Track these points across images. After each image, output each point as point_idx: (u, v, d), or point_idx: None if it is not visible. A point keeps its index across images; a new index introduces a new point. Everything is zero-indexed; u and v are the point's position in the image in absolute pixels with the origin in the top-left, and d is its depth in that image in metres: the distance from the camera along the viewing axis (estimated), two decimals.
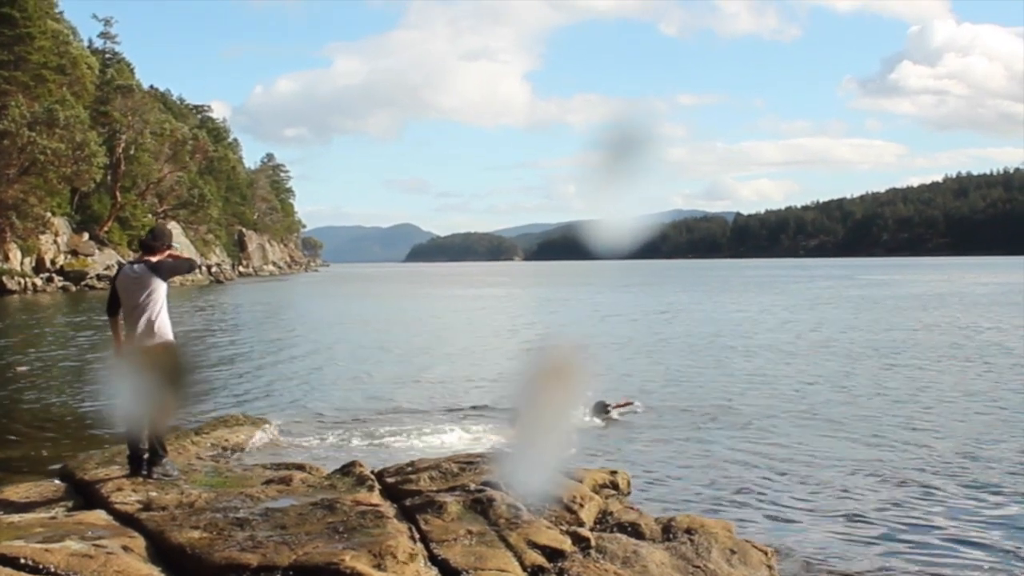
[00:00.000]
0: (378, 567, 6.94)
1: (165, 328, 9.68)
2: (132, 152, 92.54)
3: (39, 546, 6.99)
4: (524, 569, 7.43)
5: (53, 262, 75.96)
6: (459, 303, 62.88)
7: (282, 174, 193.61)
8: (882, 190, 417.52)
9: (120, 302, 9.65)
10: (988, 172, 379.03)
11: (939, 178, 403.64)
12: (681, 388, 20.64)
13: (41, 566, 6.62)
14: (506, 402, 17.62)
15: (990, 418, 16.39)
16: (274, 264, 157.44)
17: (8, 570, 6.49)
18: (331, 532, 7.64)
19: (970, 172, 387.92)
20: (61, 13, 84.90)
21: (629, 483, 10.99)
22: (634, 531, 8.73)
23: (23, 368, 23.86)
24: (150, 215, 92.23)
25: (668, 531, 8.76)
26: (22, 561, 6.64)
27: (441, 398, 19.17)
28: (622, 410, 16.07)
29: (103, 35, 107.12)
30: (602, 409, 15.79)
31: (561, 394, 3.35)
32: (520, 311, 53.47)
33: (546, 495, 8.11)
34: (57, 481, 9.99)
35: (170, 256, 9.93)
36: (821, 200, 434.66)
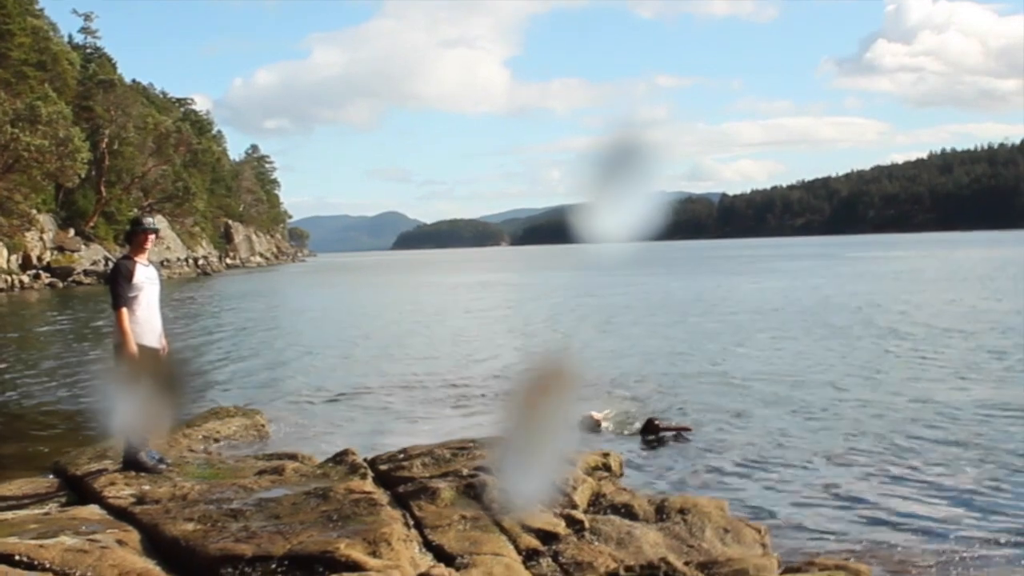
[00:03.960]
0: (373, 554, 6.95)
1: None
2: (116, 146, 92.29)
3: (34, 542, 6.98)
4: (519, 552, 7.45)
5: (40, 259, 75.69)
6: (441, 290, 62.78)
7: (267, 165, 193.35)
8: (866, 168, 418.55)
9: (138, 296, 9.63)
10: (972, 148, 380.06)
11: (923, 155, 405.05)
12: (659, 368, 20.68)
13: (36, 562, 6.62)
14: (497, 394, 17.68)
15: (990, 400, 16.36)
16: (261, 255, 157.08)
17: (3, 567, 6.48)
18: (325, 521, 7.65)
19: (954, 148, 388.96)
20: (41, 9, 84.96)
21: (622, 465, 11.04)
22: (628, 512, 8.76)
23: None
24: (135, 209, 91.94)
25: (661, 511, 8.80)
26: (17, 558, 6.63)
27: (431, 385, 19.17)
28: (675, 433, 14.03)
29: (84, 30, 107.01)
30: (652, 429, 14.07)
31: (553, 407, 3.33)
32: (495, 296, 53.48)
33: (539, 498, 8.06)
34: (50, 477, 10.00)
35: (138, 253, 9.93)
36: (806, 179, 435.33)
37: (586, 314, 37.34)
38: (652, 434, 13.82)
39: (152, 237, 10.15)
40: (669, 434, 13.84)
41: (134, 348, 9.47)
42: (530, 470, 3.51)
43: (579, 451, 11.15)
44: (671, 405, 16.21)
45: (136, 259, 9.78)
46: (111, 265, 9.96)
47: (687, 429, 14.02)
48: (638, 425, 14.27)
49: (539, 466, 3.46)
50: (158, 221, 12.57)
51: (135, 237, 9.94)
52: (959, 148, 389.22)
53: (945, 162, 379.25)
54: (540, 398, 3.35)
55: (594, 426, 14.17)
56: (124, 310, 9.51)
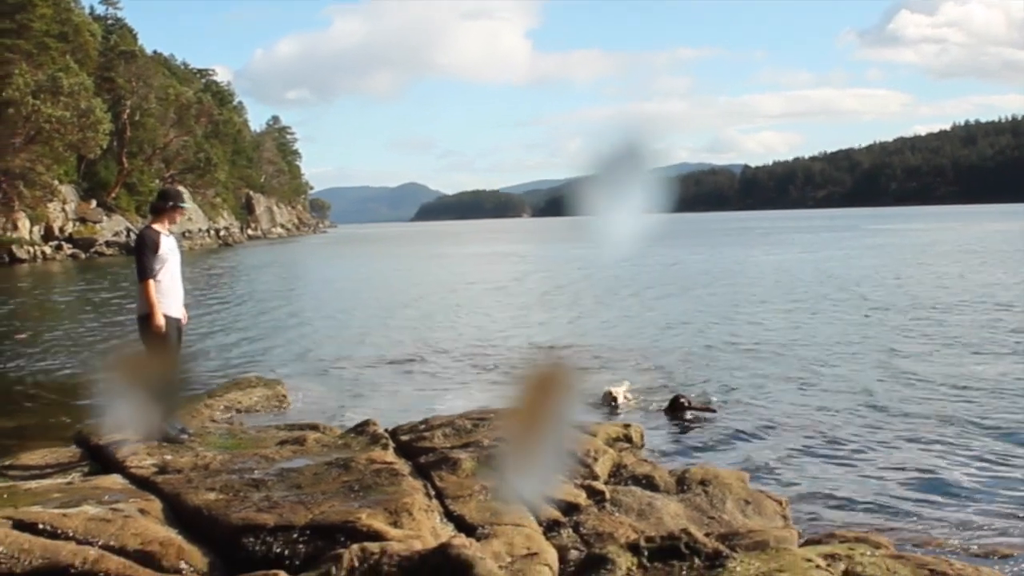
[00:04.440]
0: (394, 524, 6.96)
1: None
2: (137, 118, 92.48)
3: (57, 511, 7.01)
4: (540, 523, 7.45)
5: (62, 230, 75.98)
6: (458, 261, 62.80)
7: (288, 136, 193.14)
8: (889, 139, 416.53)
9: (162, 267, 9.67)
10: (996, 119, 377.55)
11: (946, 126, 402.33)
12: (670, 341, 20.66)
13: (59, 531, 6.65)
14: (516, 365, 17.71)
15: (1007, 375, 16.29)
16: (282, 226, 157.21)
17: (27, 535, 6.51)
18: (347, 491, 7.67)
19: (978, 120, 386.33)
20: None
21: (643, 436, 11.03)
22: (648, 483, 8.75)
23: (22, 336, 23.91)
24: (157, 180, 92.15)
25: (682, 483, 8.79)
26: (40, 526, 6.66)
27: (451, 355, 19.20)
28: (700, 413, 13.47)
29: (105, 1, 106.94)
30: (679, 407, 13.49)
31: (549, 414, 3.32)
32: (512, 267, 53.51)
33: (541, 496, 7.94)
34: (72, 446, 10.03)
35: (164, 225, 9.97)
36: (828, 151, 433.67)
37: (598, 285, 37.38)
38: (678, 412, 13.38)
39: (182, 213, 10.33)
40: (693, 413, 13.39)
41: (162, 320, 9.52)
42: (527, 473, 3.50)
43: (598, 423, 11.18)
44: (686, 379, 16.12)
45: (160, 230, 9.82)
46: (134, 236, 10.02)
47: (711, 410, 13.54)
48: (658, 401, 14.03)
49: (536, 470, 3.46)
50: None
51: (168, 211, 9.99)
52: (983, 120, 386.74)
53: (968, 134, 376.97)
54: (536, 405, 3.35)
55: (612, 402, 13.85)
56: (151, 281, 9.54)
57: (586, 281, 39.93)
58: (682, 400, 13.61)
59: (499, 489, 7.54)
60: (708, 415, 13.36)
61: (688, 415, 13.32)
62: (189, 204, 10.42)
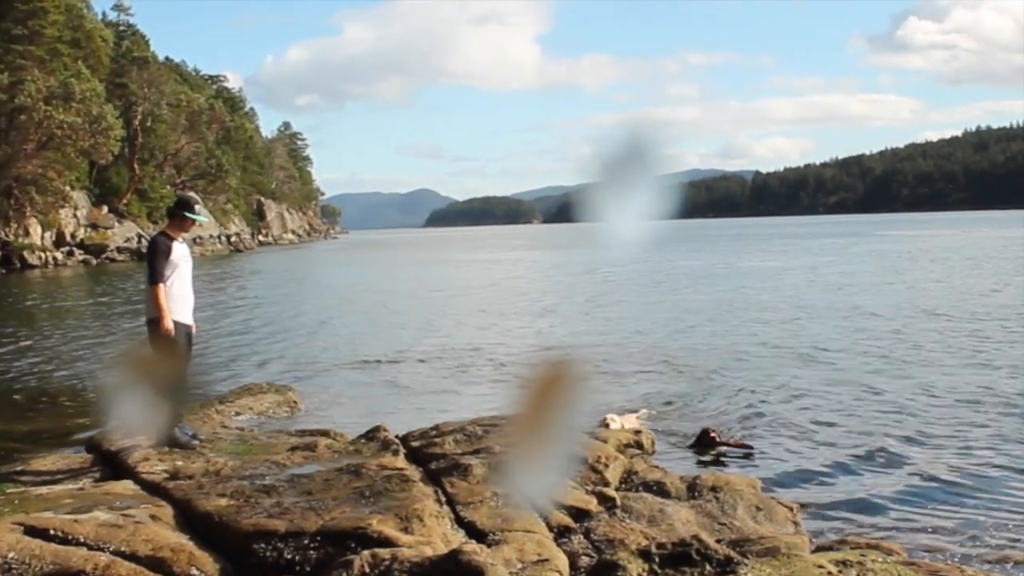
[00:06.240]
0: (405, 530, 6.97)
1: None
2: (149, 124, 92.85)
3: (68, 517, 7.03)
4: (551, 529, 7.46)
5: (73, 236, 76.17)
6: (467, 267, 62.85)
7: (299, 142, 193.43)
8: (900, 145, 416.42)
9: (173, 273, 9.71)
10: (1007, 125, 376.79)
11: (958, 132, 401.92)
12: (683, 344, 20.61)
13: (71, 537, 6.66)
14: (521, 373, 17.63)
15: (1010, 387, 16.24)
16: (293, 232, 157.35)
17: (38, 541, 6.53)
18: (357, 497, 7.67)
19: (989, 126, 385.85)
20: None
21: (654, 442, 11.03)
22: (660, 490, 8.75)
23: (26, 343, 23.95)
24: (168, 186, 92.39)
25: (694, 489, 8.78)
26: (52, 532, 6.68)
27: (464, 361, 19.18)
28: (732, 449, 11.75)
29: (117, 7, 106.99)
30: (708, 442, 11.83)
31: (558, 406, 3.31)
32: (519, 272, 53.60)
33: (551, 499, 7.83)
34: (84, 452, 10.05)
35: (177, 232, 10.01)
36: (839, 156, 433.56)
37: (595, 290, 37.68)
38: (707, 448, 11.79)
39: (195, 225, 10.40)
40: (724, 448, 11.83)
41: (170, 324, 9.53)
42: (534, 474, 3.50)
43: (609, 429, 11.16)
44: (693, 390, 15.90)
45: (173, 236, 9.87)
46: (145, 242, 10.06)
47: (748, 447, 11.84)
48: (676, 429, 12.72)
49: (543, 471, 3.45)
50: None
51: (182, 221, 10.04)
52: (994, 126, 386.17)
53: (980, 140, 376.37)
54: (543, 404, 3.34)
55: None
56: (161, 286, 9.57)
57: (583, 287, 40.11)
58: (712, 435, 12.04)
59: (508, 493, 7.54)
60: (745, 452, 11.76)
61: (717, 449, 11.84)
62: (205, 218, 10.44)
